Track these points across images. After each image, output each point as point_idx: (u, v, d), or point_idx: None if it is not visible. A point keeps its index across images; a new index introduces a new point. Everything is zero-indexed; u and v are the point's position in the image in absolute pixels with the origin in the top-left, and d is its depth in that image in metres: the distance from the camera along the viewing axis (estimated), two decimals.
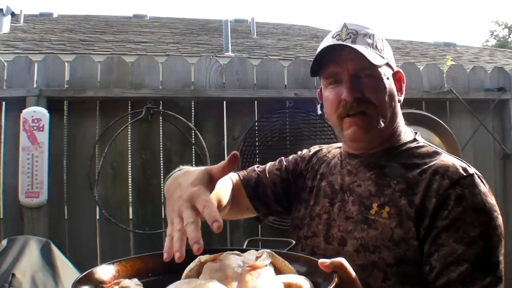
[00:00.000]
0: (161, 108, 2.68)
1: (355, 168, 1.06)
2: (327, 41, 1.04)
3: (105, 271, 0.77)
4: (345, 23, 1.03)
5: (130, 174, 2.67)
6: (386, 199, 0.96)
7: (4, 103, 2.57)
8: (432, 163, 0.96)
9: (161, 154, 2.71)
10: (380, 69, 1.01)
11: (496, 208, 0.92)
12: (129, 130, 2.67)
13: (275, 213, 1.25)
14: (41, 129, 2.42)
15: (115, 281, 0.72)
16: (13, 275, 1.91)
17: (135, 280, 0.73)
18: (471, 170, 0.94)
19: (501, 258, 0.89)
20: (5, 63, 2.61)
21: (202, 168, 0.85)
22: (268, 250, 0.74)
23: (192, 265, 0.75)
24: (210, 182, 0.82)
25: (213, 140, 2.74)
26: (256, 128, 2.78)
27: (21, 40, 5.74)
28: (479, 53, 8.36)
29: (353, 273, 0.73)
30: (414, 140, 1.06)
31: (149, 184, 2.67)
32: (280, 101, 2.78)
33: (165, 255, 0.71)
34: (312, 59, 1.04)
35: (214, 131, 2.75)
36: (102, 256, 2.58)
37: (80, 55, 3.10)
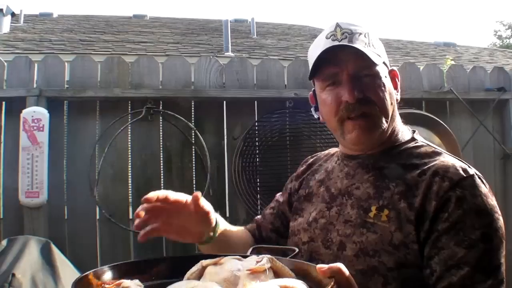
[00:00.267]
0: (161, 108, 2.68)
1: (353, 170, 1.04)
2: (321, 42, 1.01)
3: (106, 273, 0.77)
4: (337, 23, 1.00)
5: (130, 174, 2.67)
6: (385, 202, 0.94)
7: (4, 103, 2.56)
8: (432, 163, 0.94)
9: (161, 154, 2.71)
10: (378, 68, 0.99)
11: (497, 209, 0.91)
12: (129, 130, 2.67)
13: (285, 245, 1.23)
14: (41, 129, 2.42)
15: (116, 282, 0.72)
16: (13, 275, 1.91)
17: (136, 281, 0.73)
18: (472, 170, 0.92)
19: (503, 260, 0.88)
20: (5, 63, 2.61)
21: None
22: (269, 256, 0.74)
23: (193, 269, 0.76)
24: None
25: (213, 140, 2.74)
26: (256, 128, 2.78)
27: (21, 40, 5.75)
28: (479, 53, 8.37)
29: (352, 279, 0.73)
30: (413, 139, 1.04)
31: (149, 184, 2.67)
32: (280, 101, 2.78)
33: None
34: (309, 61, 1.03)
35: (214, 131, 2.75)
36: (102, 256, 2.58)
37: (80, 55, 3.10)
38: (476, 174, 0.93)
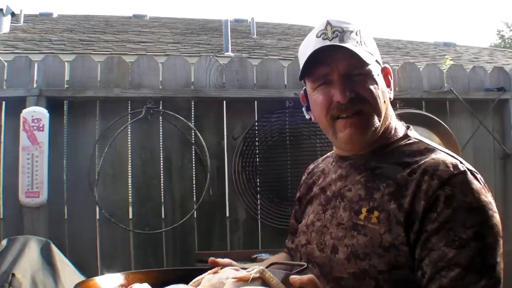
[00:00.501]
0: (161, 108, 2.68)
1: (346, 172, 1.03)
2: (312, 41, 0.99)
3: (114, 279, 0.78)
4: (328, 21, 0.98)
5: (130, 174, 2.67)
6: (375, 203, 0.92)
7: (4, 103, 2.57)
8: (422, 161, 0.91)
9: (161, 154, 2.71)
10: (370, 67, 0.96)
11: (492, 205, 0.87)
12: (129, 130, 2.67)
13: None
14: (41, 129, 2.42)
15: (129, 286, 0.74)
16: (13, 275, 1.91)
17: (146, 284, 0.74)
18: (463, 167, 0.89)
19: (499, 258, 0.84)
20: (5, 63, 2.61)
21: None
22: (261, 267, 0.76)
23: (197, 277, 0.80)
24: None
25: (213, 140, 2.74)
26: (256, 128, 2.78)
27: (21, 40, 5.74)
28: (479, 53, 8.37)
29: None
30: (406, 136, 1.01)
31: (149, 184, 2.67)
32: (280, 101, 2.78)
33: None
34: (299, 59, 1.01)
35: (214, 131, 2.75)
36: (102, 256, 2.58)
37: (80, 55, 3.10)
38: (469, 170, 0.89)
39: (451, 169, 0.88)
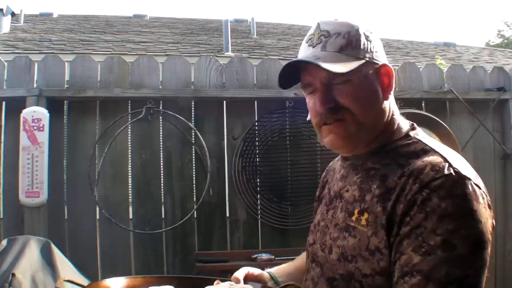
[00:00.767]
0: (161, 108, 2.68)
1: (346, 172, 1.02)
2: (302, 46, 1.00)
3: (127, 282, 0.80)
4: (318, 23, 0.97)
5: (130, 174, 2.67)
6: (366, 205, 0.90)
7: (4, 103, 2.57)
8: (413, 164, 0.88)
9: (161, 154, 2.71)
10: (356, 71, 0.92)
11: (477, 214, 0.80)
12: (129, 130, 2.67)
13: None
14: (41, 129, 2.42)
15: None
16: (13, 275, 1.91)
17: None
18: (449, 170, 0.83)
19: (470, 272, 0.78)
20: (5, 63, 2.61)
21: None
22: (250, 285, 0.79)
23: None
24: None
25: (213, 140, 2.74)
26: (256, 128, 2.78)
27: (21, 40, 5.74)
28: (479, 53, 8.37)
29: None
30: (406, 136, 0.96)
31: (149, 184, 2.67)
32: (280, 101, 2.78)
33: None
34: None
35: (214, 131, 2.75)
36: (102, 256, 2.58)
37: (80, 55, 3.10)
38: (456, 174, 0.83)
39: (434, 172, 0.84)
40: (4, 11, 6.37)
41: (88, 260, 2.53)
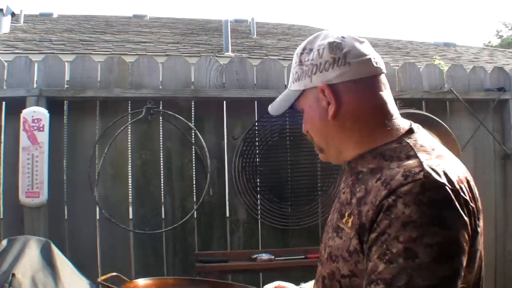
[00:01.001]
0: (161, 108, 2.68)
1: (346, 174, 1.03)
2: None
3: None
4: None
5: (130, 174, 2.67)
6: (352, 208, 0.91)
7: (4, 103, 2.57)
8: (391, 169, 0.87)
9: (161, 154, 2.71)
10: (302, 101, 1.01)
11: (446, 221, 0.78)
12: (129, 130, 2.67)
13: None
14: (41, 129, 2.42)
15: None
16: (13, 275, 1.91)
17: None
18: (419, 175, 0.81)
19: (434, 282, 0.75)
20: (5, 63, 2.61)
21: None
22: None
23: None
24: None
25: (213, 140, 2.74)
26: (256, 128, 2.78)
27: (21, 40, 5.74)
28: (479, 53, 8.37)
29: None
30: (398, 139, 0.94)
31: (149, 184, 2.67)
32: None
33: None
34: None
35: (214, 131, 2.75)
36: (102, 256, 2.58)
37: (80, 55, 3.10)
38: (427, 179, 0.80)
39: (403, 178, 0.82)
40: (4, 11, 6.37)
41: (88, 260, 2.53)
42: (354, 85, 0.94)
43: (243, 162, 2.73)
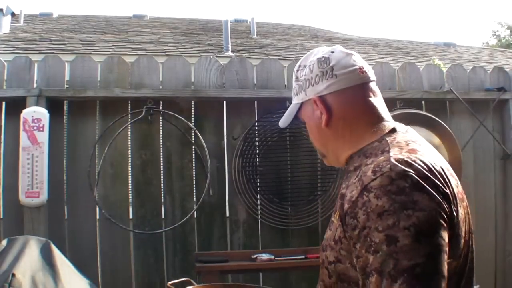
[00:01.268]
0: (161, 108, 2.68)
1: (344, 175, 1.12)
2: None
3: None
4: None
5: (130, 174, 2.67)
6: (338, 203, 0.98)
7: (4, 103, 2.56)
8: (365, 165, 0.94)
9: (161, 154, 2.71)
10: (302, 113, 1.12)
11: (417, 204, 0.83)
12: (129, 130, 2.67)
13: None
14: (41, 129, 2.42)
15: None
16: (13, 275, 1.91)
17: None
18: (386, 168, 0.87)
19: (419, 260, 0.80)
20: (5, 63, 2.61)
21: None
22: None
23: None
24: None
25: (213, 140, 2.74)
26: (256, 128, 2.78)
27: (21, 40, 5.74)
28: (479, 53, 8.37)
29: None
30: (380, 138, 1.00)
31: (149, 184, 2.67)
32: (280, 101, 2.78)
33: None
34: None
35: (214, 131, 2.75)
36: (102, 256, 2.58)
37: (80, 55, 3.10)
38: (393, 171, 0.87)
39: (372, 173, 0.89)
40: (4, 11, 6.38)
41: (88, 260, 2.53)
42: (342, 95, 1.03)
43: (243, 162, 2.73)
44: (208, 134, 2.73)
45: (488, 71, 3.20)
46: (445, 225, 0.84)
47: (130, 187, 2.67)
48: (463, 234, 0.91)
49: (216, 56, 3.54)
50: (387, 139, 0.99)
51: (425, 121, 2.78)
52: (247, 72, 2.83)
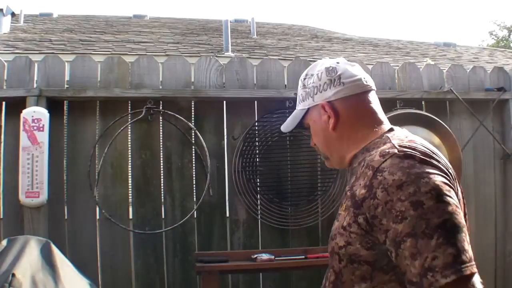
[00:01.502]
0: (161, 108, 2.68)
1: (348, 176, 1.22)
2: None
3: None
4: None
5: (130, 174, 2.67)
6: (346, 196, 1.09)
7: (4, 103, 2.56)
8: (370, 155, 1.07)
9: (161, 154, 2.71)
10: (308, 118, 1.21)
11: (426, 172, 0.94)
12: (129, 130, 2.67)
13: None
14: (41, 129, 2.42)
15: None
16: (13, 275, 1.91)
17: None
18: (393, 151, 1.00)
19: (447, 216, 0.90)
20: (5, 63, 2.61)
21: None
22: None
23: None
24: None
25: (213, 140, 2.74)
26: (256, 128, 2.78)
27: (21, 40, 5.74)
28: (479, 53, 8.37)
29: None
30: (380, 136, 1.13)
31: (149, 184, 2.67)
32: (280, 101, 2.78)
33: None
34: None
35: (214, 131, 2.75)
36: (102, 256, 2.58)
37: (80, 55, 3.10)
38: (398, 151, 0.99)
39: (381, 157, 1.00)
40: (4, 11, 6.37)
41: (88, 260, 2.53)
42: (348, 101, 1.15)
43: (243, 162, 2.73)
44: (208, 134, 2.73)
45: (488, 71, 3.20)
46: (453, 190, 0.96)
47: (130, 187, 2.67)
48: (462, 213, 0.97)
49: (216, 56, 3.54)
50: (387, 135, 1.11)
51: (425, 121, 2.78)
52: (247, 72, 2.83)
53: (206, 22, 8.47)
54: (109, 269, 2.59)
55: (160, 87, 2.72)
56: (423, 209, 0.90)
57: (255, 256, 2.43)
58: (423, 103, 2.97)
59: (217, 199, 2.71)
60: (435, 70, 3.09)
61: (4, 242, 2.12)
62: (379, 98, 1.22)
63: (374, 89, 1.19)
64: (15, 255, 2.03)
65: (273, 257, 2.42)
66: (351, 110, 1.15)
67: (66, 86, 2.65)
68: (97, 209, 2.59)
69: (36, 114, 2.43)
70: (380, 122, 1.16)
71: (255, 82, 2.83)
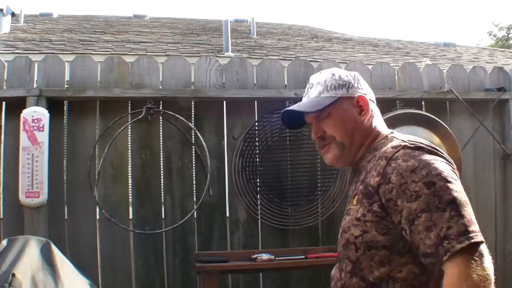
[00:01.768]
0: (161, 108, 2.68)
1: (352, 177, 1.32)
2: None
3: None
4: (309, 78, 1.34)
5: (130, 174, 2.67)
6: (356, 191, 1.19)
7: (4, 103, 2.56)
8: (380, 150, 1.18)
9: (161, 154, 2.71)
10: (332, 108, 1.24)
11: (435, 160, 1.08)
12: (129, 130, 2.67)
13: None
14: (41, 129, 2.42)
15: None
16: (13, 275, 1.91)
17: None
18: (403, 143, 1.13)
19: (456, 194, 1.03)
20: (5, 63, 2.61)
21: None
22: None
23: None
24: None
25: (213, 140, 2.74)
26: (256, 128, 2.78)
27: (21, 40, 5.74)
28: (479, 53, 8.36)
29: None
30: (386, 136, 1.25)
31: (149, 184, 2.67)
32: (280, 101, 2.78)
33: None
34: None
35: (214, 131, 2.75)
36: (102, 256, 2.58)
37: (80, 55, 3.10)
38: (409, 143, 1.12)
39: (394, 149, 1.13)
40: (4, 11, 6.37)
41: (88, 260, 2.53)
42: (372, 103, 1.30)
43: (243, 162, 2.73)
44: (208, 134, 2.73)
45: (488, 71, 3.20)
46: (457, 173, 1.11)
47: (130, 187, 2.67)
48: None
49: (216, 56, 3.54)
50: (392, 135, 1.25)
51: (425, 121, 2.78)
52: (247, 72, 2.83)
53: (206, 22, 8.47)
54: (109, 269, 2.59)
55: (160, 87, 2.72)
56: (435, 188, 1.02)
57: (255, 256, 2.43)
58: (423, 103, 2.97)
59: (217, 199, 2.71)
60: (435, 70, 3.09)
61: (4, 242, 2.12)
62: (379, 98, 1.29)
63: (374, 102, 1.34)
64: (15, 255, 2.03)
65: (273, 257, 2.42)
66: (374, 110, 1.29)
67: (66, 86, 2.65)
68: (97, 209, 2.59)
69: (36, 114, 2.43)
70: (385, 127, 1.30)
71: (255, 82, 2.83)
